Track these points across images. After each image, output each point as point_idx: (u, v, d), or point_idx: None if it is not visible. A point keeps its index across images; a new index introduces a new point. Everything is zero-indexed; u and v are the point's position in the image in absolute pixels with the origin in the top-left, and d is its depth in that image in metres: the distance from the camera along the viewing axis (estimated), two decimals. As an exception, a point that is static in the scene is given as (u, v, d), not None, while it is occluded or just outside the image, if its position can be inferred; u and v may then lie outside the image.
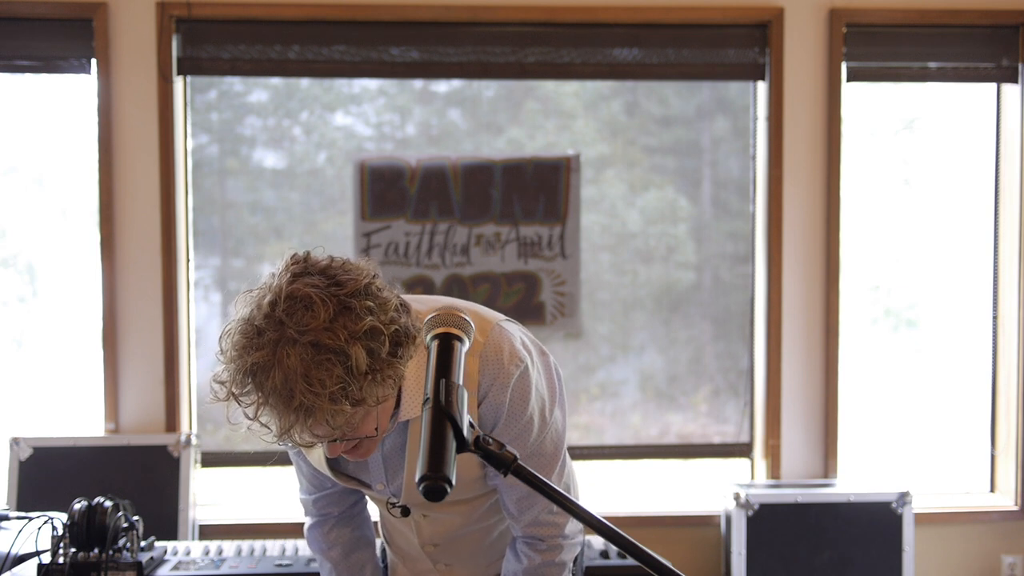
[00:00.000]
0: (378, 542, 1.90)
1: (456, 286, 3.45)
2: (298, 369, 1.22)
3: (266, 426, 1.28)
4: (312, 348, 1.23)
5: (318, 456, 1.63)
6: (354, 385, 1.25)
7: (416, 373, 1.45)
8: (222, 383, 1.29)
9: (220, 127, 3.50)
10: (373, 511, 1.85)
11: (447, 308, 1.27)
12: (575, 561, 1.79)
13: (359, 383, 1.25)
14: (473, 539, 1.74)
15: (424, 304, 1.52)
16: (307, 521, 1.81)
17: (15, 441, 3.19)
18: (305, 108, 3.53)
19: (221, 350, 1.31)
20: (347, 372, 1.24)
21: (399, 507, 1.63)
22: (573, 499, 1.13)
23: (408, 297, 1.49)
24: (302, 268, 1.31)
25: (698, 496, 3.64)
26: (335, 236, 3.47)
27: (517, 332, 1.57)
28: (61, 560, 2.07)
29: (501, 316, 1.58)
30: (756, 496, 3.29)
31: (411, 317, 1.36)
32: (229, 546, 2.41)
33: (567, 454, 1.65)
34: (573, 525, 1.63)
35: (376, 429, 1.38)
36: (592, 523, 1.10)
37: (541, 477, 1.13)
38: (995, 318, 3.69)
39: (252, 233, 3.50)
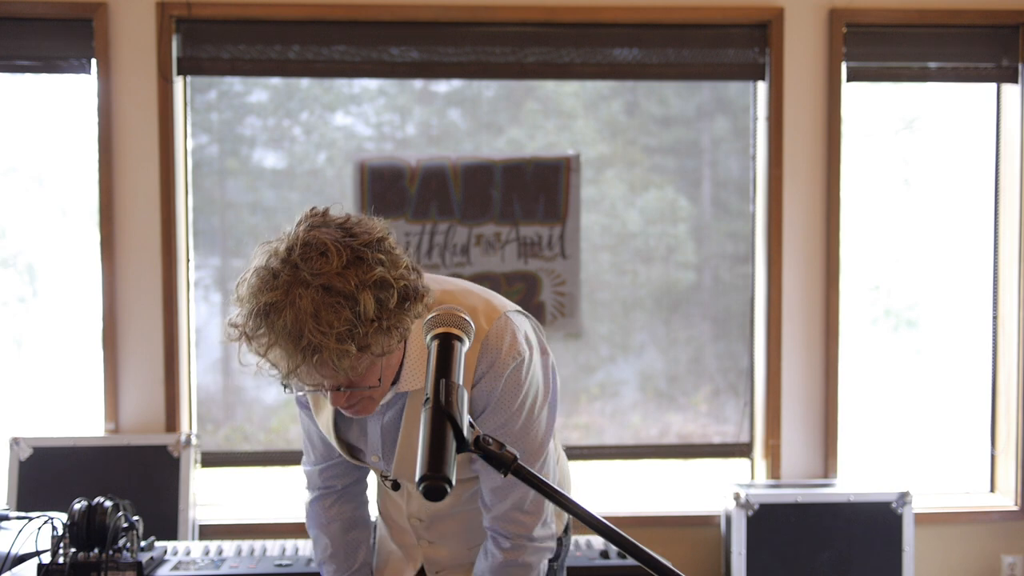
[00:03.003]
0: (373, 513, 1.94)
1: (456, 286, 3.45)
2: (308, 310, 1.28)
3: (275, 365, 1.34)
4: (323, 291, 1.29)
5: (326, 420, 1.66)
6: (361, 329, 1.30)
7: (419, 348, 1.49)
8: (235, 326, 1.36)
9: (220, 127, 3.50)
10: (372, 488, 1.90)
11: (447, 308, 1.27)
12: (555, 561, 1.80)
13: (365, 328, 1.31)
14: (457, 521, 1.76)
15: (439, 284, 1.58)
16: (308, 496, 1.84)
17: (15, 441, 3.19)
18: (305, 108, 3.53)
19: (237, 296, 1.38)
20: (355, 316, 1.30)
21: (390, 480, 1.70)
22: (572, 499, 1.13)
23: (428, 276, 1.53)
24: (320, 220, 1.38)
25: (698, 496, 3.64)
26: (335, 236, 3.46)
27: (524, 324, 1.60)
28: (61, 560, 2.07)
29: (512, 306, 1.61)
30: (756, 496, 3.29)
31: (421, 279, 1.42)
32: (229, 546, 2.41)
33: (553, 455, 1.66)
34: (543, 530, 1.62)
35: (379, 380, 1.42)
36: (592, 523, 1.10)
37: (541, 477, 1.13)
38: (995, 318, 3.69)
39: (252, 233, 3.50)
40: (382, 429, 1.61)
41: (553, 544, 1.67)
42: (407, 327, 1.39)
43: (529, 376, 1.55)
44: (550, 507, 1.64)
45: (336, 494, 1.81)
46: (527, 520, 1.61)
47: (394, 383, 1.51)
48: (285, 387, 1.40)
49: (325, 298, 1.29)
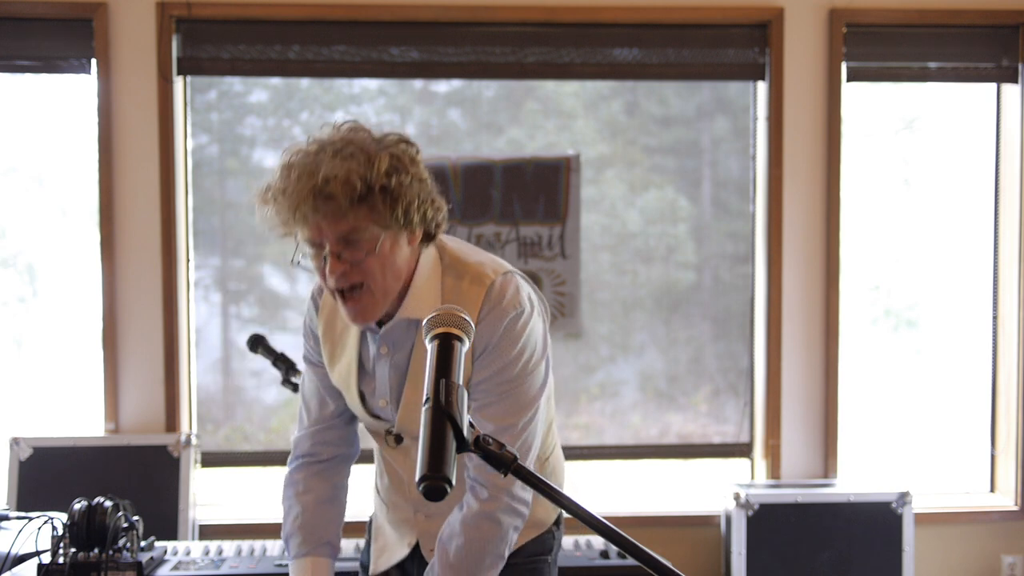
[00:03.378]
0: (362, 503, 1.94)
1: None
2: (329, 151, 1.50)
3: (284, 208, 1.49)
4: (347, 144, 1.52)
5: (346, 365, 1.71)
6: (371, 175, 1.48)
7: (428, 278, 1.62)
8: (263, 187, 1.55)
9: (220, 127, 3.50)
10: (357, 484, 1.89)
11: (447, 308, 1.27)
12: (548, 556, 1.82)
13: (376, 178, 1.48)
14: (457, 492, 1.71)
15: (453, 241, 1.71)
16: (291, 465, 1.85)
17: (15, 441, 3.19)
18: (305, 108, 3.53)
19: (266, 186, 1.55)
20: (368, 165, 1.49)
21: (394, 435, 1.71)
22: (572, 498, 1.13)
23: (446, 237, 1.70)
24: (356, 125, 1.60)
25: (698, 496, 3.64)
26: (335, 236, 3.46)
27: (526, 287, 1.67)
28: (61, 560, 2.07)
29: (519, 272, 1.69)
30: (756, 496, 3.29)
31: (443, 208, 1.61)
32: (229, 546, 2.41)
33: (544, 419, 1.70)
34: (523, 492, 1.62)
35: (382, 273, 1.53)
36: (591, 523, 1.10)
37: (541, 477, 1.13)
38: (995, 318, 3.69)
39: (252, 233, 3.50)
40: (390, 370, 1.66)
41: (526, 512, 1.65)
42: (413, 219, 1.53)
43: (528, 330, 1.61)
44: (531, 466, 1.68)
45: (319, 465, 1.82)
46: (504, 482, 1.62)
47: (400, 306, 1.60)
48: (294, 261, 1.57)
49: (346, 148, 1.51)
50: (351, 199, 1.47)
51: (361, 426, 1.85)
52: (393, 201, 1.50)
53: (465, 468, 1.65)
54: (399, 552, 1.83)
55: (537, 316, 1.65)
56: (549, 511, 1.83)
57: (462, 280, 1.62)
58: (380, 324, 1.65)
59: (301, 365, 1.86)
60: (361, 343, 1.70)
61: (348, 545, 2.38)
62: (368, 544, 1.94)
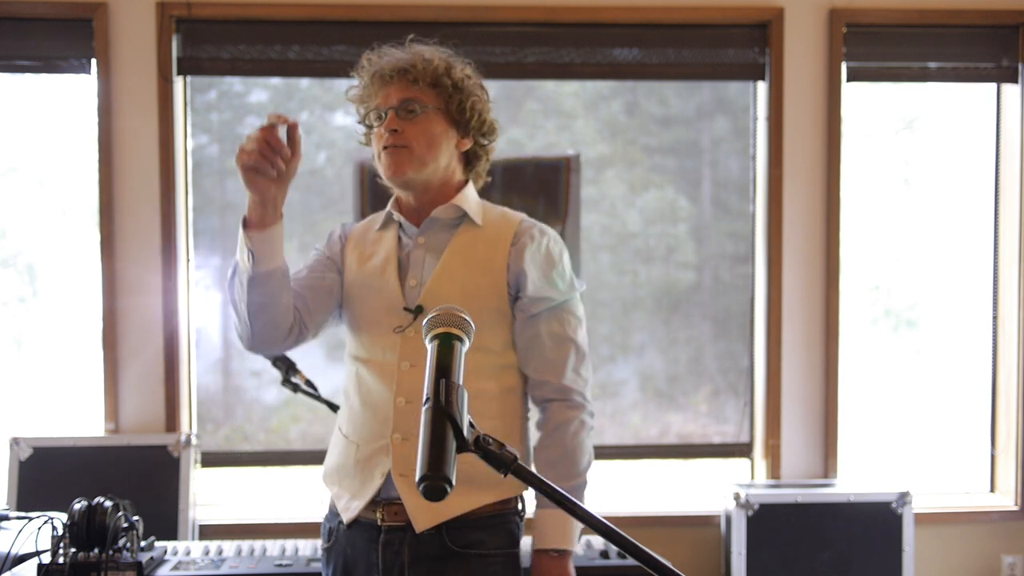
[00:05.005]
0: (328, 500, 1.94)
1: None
2: (416, 47, 1.86)
3: (369, 65, 1.84)
4: (433, 50, 1.87)
5: (384, 258, 1.89)
6: (454, 71, 1.84)
7: (474, 196, 1.94)
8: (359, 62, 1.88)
9: (220, 127, 3.50)
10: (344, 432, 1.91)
11: (447, 308, 1.27)
12: (516, 543, 1.87)
13: (454, 75, 1.83)
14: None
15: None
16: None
17: (15, 441, 3.19)
18: (305, 108, 3.53)
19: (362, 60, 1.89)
20: (449, 65, 1.85)
21: (413, 309, 1.81)
22: (572, 499, 1.13)
23: None
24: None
25: (698, 496, 3.64)
26: (335, 236, 3.46)
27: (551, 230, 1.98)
28: (61, 560, 2.07)
29: None
30: (756, 496, 3.29)
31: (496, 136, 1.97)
32: (229, 546, 2.41)
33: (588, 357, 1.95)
34: (586, 388, 1.91)
35: (427, 139, 1.81)
36: (592, 523, 1.10)
37: (541, 477, 1.13)
38: (995, 318, 3.69)
39: (252, 233, 3.49)
40: (426, 254, 1.86)
41: (593, 411, 1.92)
42: (470, 117, 1.86)
43: (563, 256, 1.91)
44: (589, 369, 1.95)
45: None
46: (572, 384, 1.88)
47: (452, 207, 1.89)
48: (363, 124, 1.88)
49: (432, 49, 1.86)
50: (427, 79, 1.79)
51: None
52: (460, 93, 1.83)
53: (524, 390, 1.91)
54: (370, 487, 1.81)
55: (567, 257, 1.93)
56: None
57: (495, 211, 1.94)
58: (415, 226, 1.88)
59: (298, 265, 1.95)
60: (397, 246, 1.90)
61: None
62: (332, 506, 1.92)
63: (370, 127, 1.87)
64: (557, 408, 1.87)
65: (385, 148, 1.80)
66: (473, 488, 1.74)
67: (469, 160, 1.94)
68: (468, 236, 1.88)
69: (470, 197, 1.91)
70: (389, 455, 1.80)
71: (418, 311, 1.79)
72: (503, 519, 1.85)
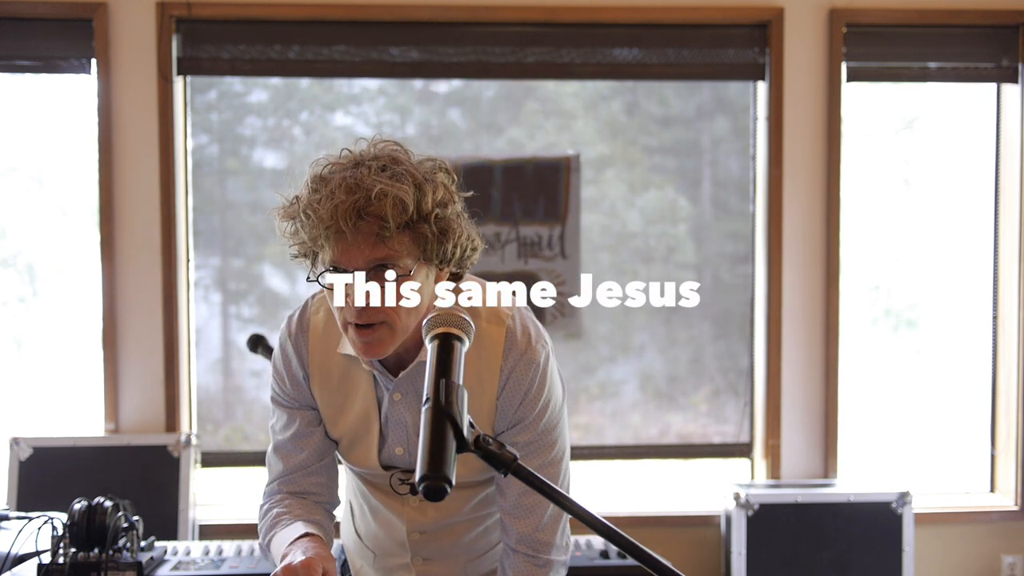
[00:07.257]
0: (337, 544, 1.84)
1: (456, 286, 3.45)
2: (372, 167, 1.34)
3: (315, 224, 1.33)
4: (393, 162, 1.36)
5: (362, 412, 1.57)
6: (426, 205, 1.34)
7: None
8: (288, 200, 1.40)
9: (220, 127, 3.50)
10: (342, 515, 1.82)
11: (447, 308, 1.27)
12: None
13: (422, 205, 1.34)
14: (459, 530, 1.70)
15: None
16: (263, 507, 1.62)
17: (15, 441, 3.19)
18: (305, 108, 3.53)
19: (293, 198, 1.40)
20: (421, 193, 1.35)
21: (409, 484, 1.57)
22: (572, 498, 1.13)
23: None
24: (396, 144, 1.43)
25: (698, 496, 3.64)
26: (335, 236, 3.46)
27: (533, 318, 1.63)
28: (61, 560, 2.07)
29: (523, 307, 1.63)
30: (756, 496, 3.29)
31: (479, 249, 1.49)
32: (229, 546, 2.41)
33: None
34: (563, 539, 1.61)
35: (414, 293, 1.39)
36: (592, 523, 1.10)
37: (540, 477, 1.13)
38: (995, 318, 3.69)
39: (252, 233, 3.50)
40: (408, 416, 1.55)
41: (567, 560, 1.64)
42: (454, 256, 1.42)
43: (552, 369, 1.57)
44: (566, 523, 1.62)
45: (301, 498, 1.62)
46: (551, 538, 1.58)
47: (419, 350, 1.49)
48: (310, 278, 1.40)
49: (393, 167, 1.35)
50: (399, 223, 1.32)
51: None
52: (442, 234, 1.37)
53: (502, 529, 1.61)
54: None
55: (551, 352, 1.58)
56: None
57: (479, 319, 1.46)
58: (385, 367, 1.53)
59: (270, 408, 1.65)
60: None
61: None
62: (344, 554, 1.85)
63: (319, 275, 1.41)
64: (520, 564, 1.58)
65: (357, 326, 1.40)
66: None
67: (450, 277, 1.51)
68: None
69: None
70: (412, 572, 1.72)
71: (415, 490, 1.52)
72: None
